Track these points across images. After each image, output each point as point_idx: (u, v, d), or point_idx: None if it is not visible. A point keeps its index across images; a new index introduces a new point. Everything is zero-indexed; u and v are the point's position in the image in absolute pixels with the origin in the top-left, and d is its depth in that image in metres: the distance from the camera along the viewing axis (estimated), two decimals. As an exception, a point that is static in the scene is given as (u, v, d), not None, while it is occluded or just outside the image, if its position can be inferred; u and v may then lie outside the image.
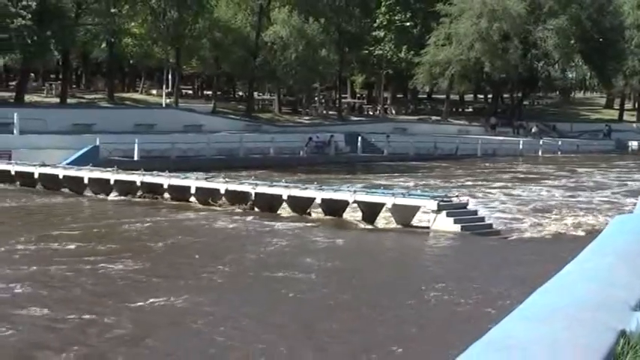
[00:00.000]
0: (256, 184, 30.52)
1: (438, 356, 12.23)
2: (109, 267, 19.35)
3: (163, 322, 15.10)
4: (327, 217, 28.22)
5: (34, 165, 35.25)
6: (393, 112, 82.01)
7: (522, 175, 50.01)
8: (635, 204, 18.35)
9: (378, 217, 27.55)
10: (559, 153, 70.19)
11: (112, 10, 55.75)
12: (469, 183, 43.31)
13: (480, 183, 43.64)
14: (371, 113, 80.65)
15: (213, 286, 18.21)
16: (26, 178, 34.96)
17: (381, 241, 26.03)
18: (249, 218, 28.23)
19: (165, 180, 32.17)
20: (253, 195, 29.79)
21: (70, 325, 14.56)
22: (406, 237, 25.99)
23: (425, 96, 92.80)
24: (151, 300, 16.20)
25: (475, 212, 27.99)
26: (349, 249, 24.25)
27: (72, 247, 22.07)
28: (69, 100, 59.13)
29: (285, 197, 29.16)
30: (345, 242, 24.87)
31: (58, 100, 59.41)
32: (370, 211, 27.63)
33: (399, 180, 43.11)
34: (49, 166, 35.18)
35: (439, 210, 26.22)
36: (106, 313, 15.34)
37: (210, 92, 77.57)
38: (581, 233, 26.33)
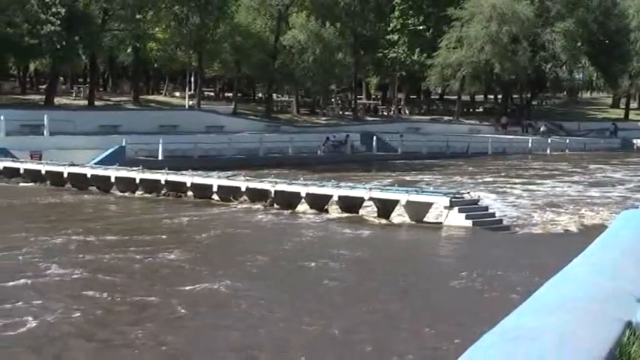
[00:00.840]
0: (276, 182, 30.57)
1: (471, 336, 12.36)
2: (156, 256, 20.50)
3: (208, 304, 15.97)
4: (344, 213, 28.28)
5: (64, 165, 35.41)
6: (407, 112, 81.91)
7: (536, 172, 49.84)
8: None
9: (392, 213, 27.58)
10: (567, 151, 69.78)
11: (137, 17, 56.03)
12: (489, 179, 43.54)
13: (500, 179, 43.82)
14: (385, 114, 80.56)
15: (252, 273, 19.00)
16: (56, 178, 35.12)
17: (399, 235, 26.06)
18: (275, 214, 28.49)
19: (188, 178, 32.29)
20: (273, 192, 29.85)
21: (126, 307, 15.72)
22: (421, 232, 26.02)
23: (437, 97, 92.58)
24: (196, 285, 17.10)
25: (486, 208, 27.98)
26: (370, 242, 24.39)
27: (118, 238, 23.11)
28: (96, 103, 59.36)
29: (303, 195, 29.22)
30: (365, 236, 25.03)
31: (85, 102, 59.70)
32: (385, 208, 27.66)
33: (422, 177, 43.56)
34: (77, 165, 35.35)
35: (451, 206, 26.28)
36: (157, 296, 16.46)
37: (231, 94, 77.58)
38: (591, 227, 26.19)
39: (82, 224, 25.52)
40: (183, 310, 15.34)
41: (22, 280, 17.19)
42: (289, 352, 13.38)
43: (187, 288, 16.94)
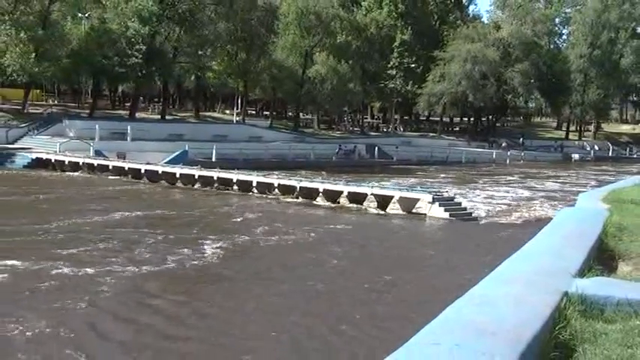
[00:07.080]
0: (300, 180, 30.70)
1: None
2: (273, 210, 26.30)
3: (304, 247, 19.74)
4: (351, 205, 28.28)
5: (141, 163, 35.63)
6: (401, 129, 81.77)
7: (497, 177, 49.48)
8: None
9: (388, 206, 27.55)
10: (522, 162, 69.39)
11: (199, 52, 56.34)
12: (469, 179, 43.22)
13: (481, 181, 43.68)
14: (385, 130, 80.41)
15: (321, 236, 22.00)
16: (135, 173, 35.31)
17: (398, 222, 25.92)
18: (317, 207, 28.76)
19: (234, 176, 32.37)
20: (298, 188, 29.92)
21: (273, 235, 20.88)
22: (412, 220, 26.02)
23: (424, 118, 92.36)
24: (285, 237, 20.99)
25: (460, 203, 27.89)
26: (390, 225, 25.04)
27: (233, 208, 27.17)
28: (167, 117, 59.55)
29: (321, 190, 29.27)
30: (384, 222, 25.69)
31: (159, 116, 59.93)
32: (383, 202, 27.64)
33: (423, 178, 43.46)
34: (151, 164, 35.51)
35: (433, 201, 26.22)
36: (286, 233, 21.39)
37: (268, 112, 77.67)
38: (539, 220, 26.09)
39: (205, 200, 28.88)
40: (292, 244, 20.05)
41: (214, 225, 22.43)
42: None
43: (295, 235, 21.37)
